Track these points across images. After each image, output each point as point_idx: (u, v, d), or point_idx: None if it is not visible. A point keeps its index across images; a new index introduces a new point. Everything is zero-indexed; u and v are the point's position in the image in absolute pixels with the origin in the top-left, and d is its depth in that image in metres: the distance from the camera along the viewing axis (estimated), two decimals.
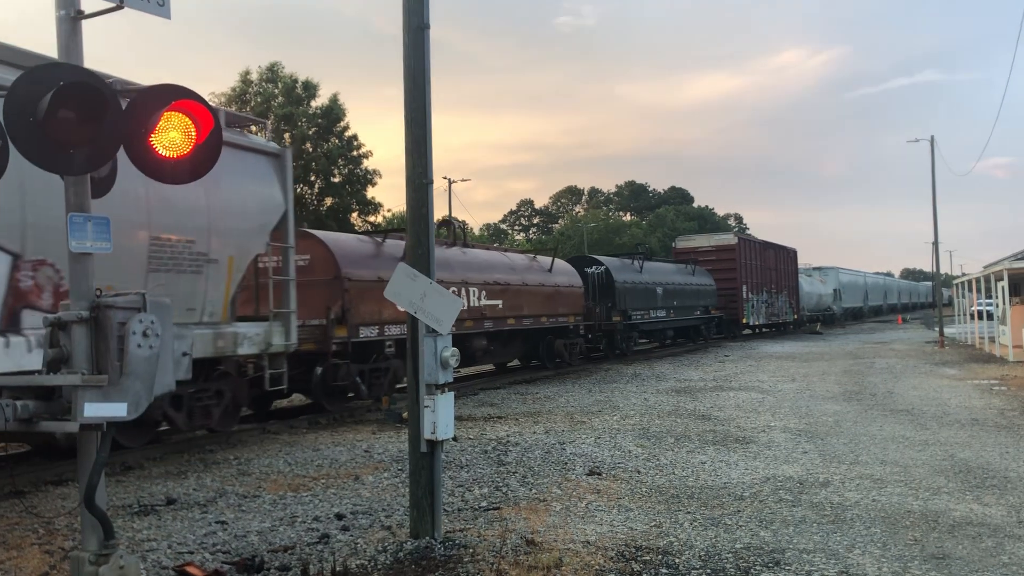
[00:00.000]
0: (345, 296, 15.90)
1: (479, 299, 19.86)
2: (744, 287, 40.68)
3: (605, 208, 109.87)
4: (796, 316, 50.60)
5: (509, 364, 25.95)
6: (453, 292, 15.67)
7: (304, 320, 15.08)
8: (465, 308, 18.21)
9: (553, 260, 25.22)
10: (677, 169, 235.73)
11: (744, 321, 40.69)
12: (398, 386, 17.73)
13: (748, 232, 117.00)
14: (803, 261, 63.32)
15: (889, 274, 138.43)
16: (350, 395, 16.55)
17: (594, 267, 28.84)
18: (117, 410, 4.61)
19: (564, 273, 25.52)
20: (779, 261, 47.73)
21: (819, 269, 66.15)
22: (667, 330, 34.64)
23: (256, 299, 14.17)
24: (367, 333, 16.47)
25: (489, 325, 20.54)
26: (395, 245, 17.73)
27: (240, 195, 12.38)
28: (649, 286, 31.43)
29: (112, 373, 4.62)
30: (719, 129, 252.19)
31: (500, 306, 20.82)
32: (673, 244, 44.43)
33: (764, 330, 47.09)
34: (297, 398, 17.40)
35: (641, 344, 34.23)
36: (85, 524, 4.81)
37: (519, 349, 24.03)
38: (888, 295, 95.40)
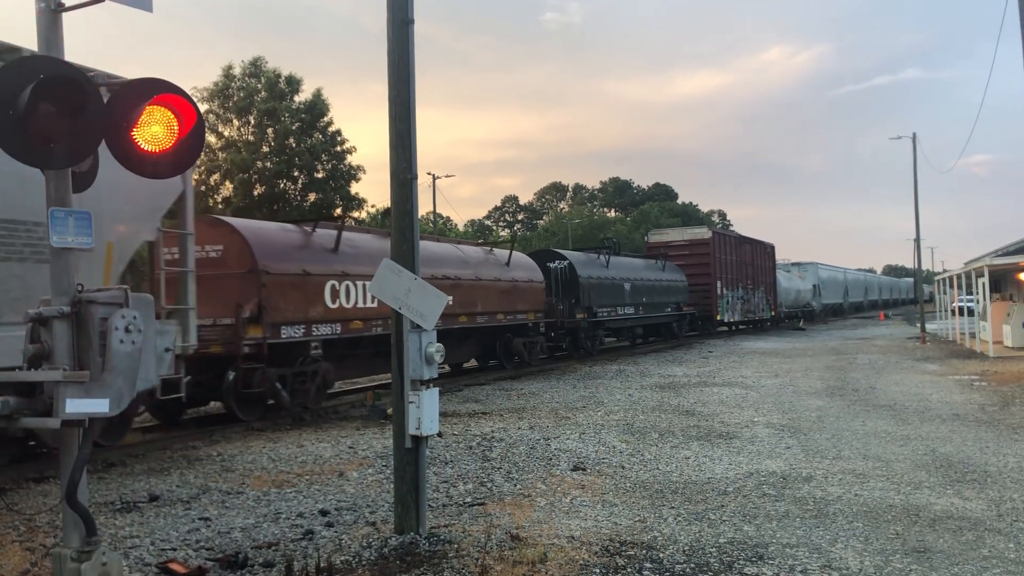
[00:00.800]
0: (262, 292, 14.18)
1: None
2: (718, 283, 39.32)
3: (589, 204, 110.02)
4: (773, 313, 49.53)
5: (465, 365, 24.72)
6: None
7: (215, 319, 13.82)
8: None
9: (511, 253, 23.72)
10: (662, 166, 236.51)
11: (718, 318, 39.27)
12: (329, 391, 16.86)
13: (731, 228, 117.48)
14: (785, 257, 62.21)
15: (871, 270, 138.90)
16: (270, 402, 14.97)
17: (557, 262, 27.36)
18: (99, 406, 4.57)
19: (523, 268, 24.27)
20: (756, 256, 46.36)
21: (798, 265, 64.86)
22: (635, 328, 33.13)
23: (156, 294, 11.62)
24: (290, 333, 14.80)
25: (437, 323, 19.26)
26: (326, 235, 16.41)
27: (121, 170, 10.64)
28: (616, 282, 30.16)
29: (94, 369, 4.58)
30: (704, 126, 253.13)
31: (450, 303, 19.09)
32: (645, 238, 42.87)
33: (741, 327, 45.99)
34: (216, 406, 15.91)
35: (610, 342, 33.17)
36: (67, 521, 4.77)
37: (474, 349, 22.60)
38: (869, 291, 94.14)
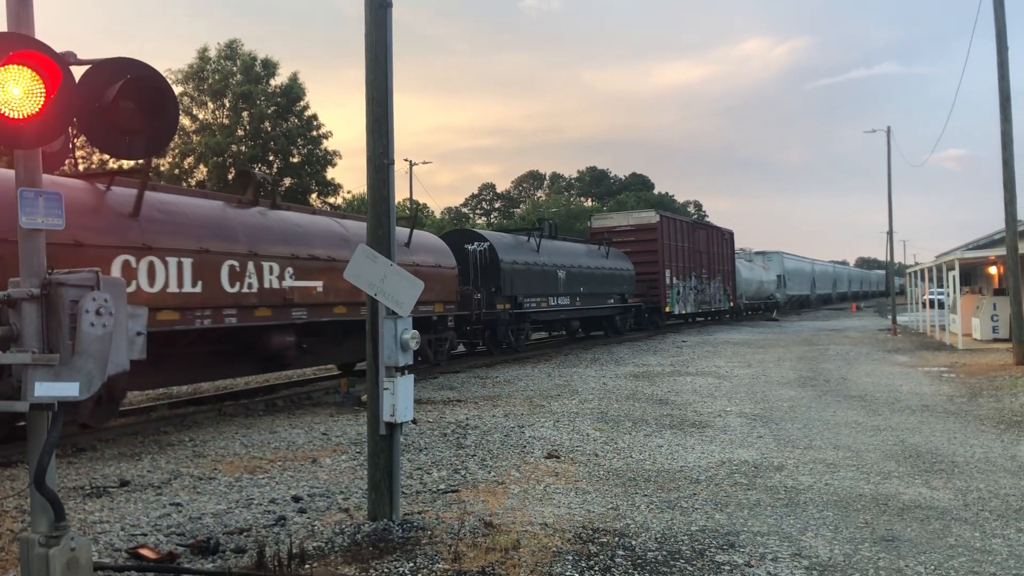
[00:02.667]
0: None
1: (281, 278, 14.41)
2: (667, 272, 36.25)
3: (566, 193, 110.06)
4: (732, 304, 46.65)
5: (357, 366, 20.13)
6: (231, 268, 13.20)
7: None
8: (254, 290, 13.74)
9: (412, 232, 18.92)
10: (639, 156, 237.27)
11: (667, 310, 36.27)
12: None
13: (707, 219, 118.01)
14: (758, 247, 61.24)
15: (844, 263, 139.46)
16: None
17: (476, 244, 23.86)
18: (69, 389, 4.52)
19: (429, 250, 19.95)
20: (712, 243, 43.38)
21: (762, 254, 61.97)
22: (571, 320, 30.17)
23: None
24: None
25: (301, 315, 14.87)
26: (123, 196, 12.06)
27: None
28: (548, 269, 26.69)
29: (64, 352, 4.52)
30: (682, 117, 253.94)
31: (319, 289, 15.39)
32: (588, 223, 39.33)
33: (699, 319, 43.77)
34: None
35: (540, 337, 31.01)
36: (35, 506, 4.71)
37: (356, 347, 16.96)
38: (838, 283, 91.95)
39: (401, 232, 17.76)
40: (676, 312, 37.56)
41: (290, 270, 14.73)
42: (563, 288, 27.73)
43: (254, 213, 14.78)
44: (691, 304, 39.38)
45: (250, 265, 13.74)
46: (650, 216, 37.23)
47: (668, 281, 36.30)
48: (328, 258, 15.67)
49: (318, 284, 15.45)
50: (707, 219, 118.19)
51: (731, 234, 47.43)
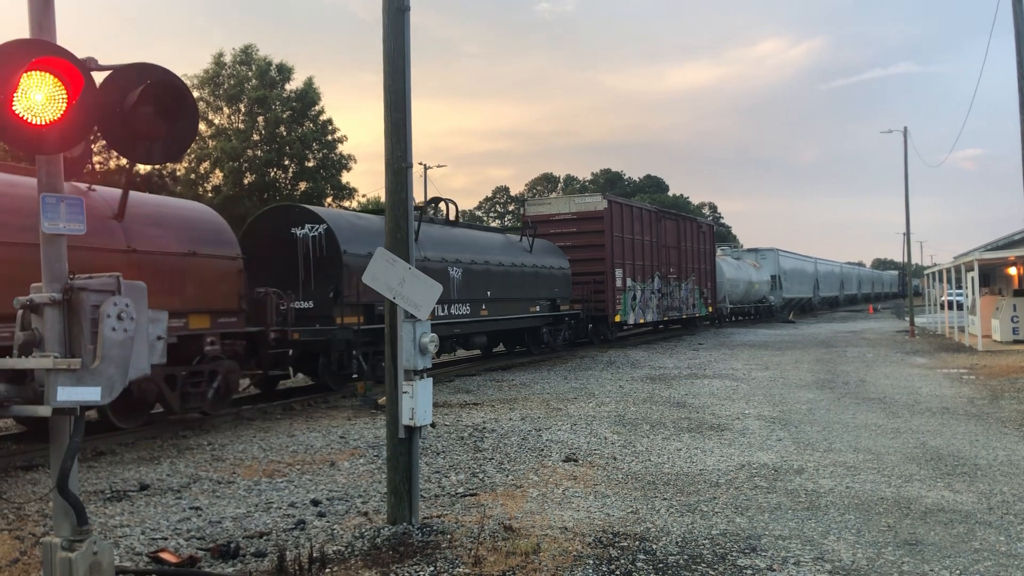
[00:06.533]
0: None
1: None
2: (618, 271, 29.03)
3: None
4: (710, 309, 40.00)
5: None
6: None
7: None
8: None
9: (125, 197, 11.73)
10: (654, 158, 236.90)
11: (617, 319, 29.01)
12: None
13: (722, 221, 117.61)
14: (767, 247, 55.76)
15: (860, 263, 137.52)
16: None
17: (308, 227, 16.95)
18: (91, 394, 4.53)
19: (163, 223, 12.40)
20: (684, 237, 36.27)
21: (754, 251, 55.51)
22: (473, 336, 22.28)
23: None
24: None
25: None
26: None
27: None
28: (433, 265, 19.03)
29: (86, 357, 4.54)
30: (697, 118, 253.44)
31: None
32: (522, 210, 31.85)
33: (660, 327, 36.80)
34: None
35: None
36: (57, 510, 4.73)
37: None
38: (846, 284, 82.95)
39: (146, 200, 12.90)
40: (631, 321, 30.42)
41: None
42: (458, 293, 20.62)
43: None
44: (653, 311, 32.33)
45: None
46: (596, 202, 29.51)
47: (619, 283, 29.14)
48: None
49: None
50: (722, 220, 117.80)
51: (710, 227, 40.93)
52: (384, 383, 15.28)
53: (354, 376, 16.95)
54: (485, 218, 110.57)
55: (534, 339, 25.64)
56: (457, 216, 23.94)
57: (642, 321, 31.58)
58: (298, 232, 16.95)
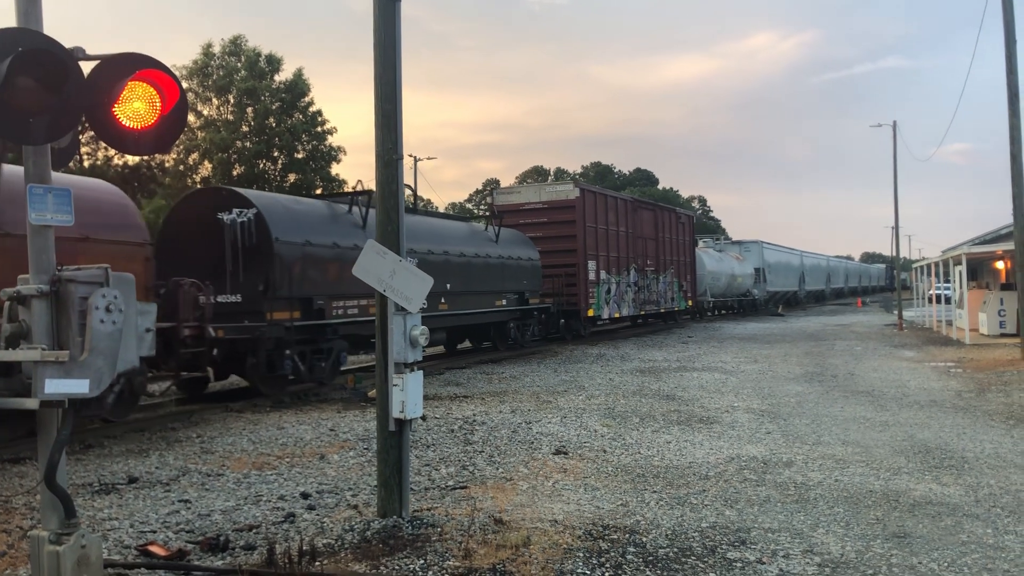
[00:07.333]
0: None
1: None
2: (591, 263, 27.82)
3: None
4: (690, 303, 38.99)
5: None
6: None
7: None
8: None
9: (66, 177, 11.40)
10: (644, 151, 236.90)
11: (591, 313, 27.89)
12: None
13: (711, 214, 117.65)
14: (751, 239, 55.06)
15: (849, 257, 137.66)
16: None
17: (236, 212, 15.17)
18: (79, 387, 4.49)
19: (98, 212, 11.48)
20: (662, 228, 35.17)
21: (737, 243, 54.50)
22: (432, 332, 17.73)
23: None
24: None
25: None
26: None
27: None
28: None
29: (74, 349, 4.50)
30: (688, 112, 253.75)
31: None
32: (490, 199, 30.20)
33: (639, 320, 35.90)
34: None
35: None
36: (45, 503, 4.70)
37: None
38: (833, 278, 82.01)
39: None
40: (605, 316, 29.36)
41: None
42: None
43: None
44: (629, 305, 31.22)
45: None
46: (567, 190, 28.23)
47: (593, 275, 27.94)
48: None
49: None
50: (712, 214, 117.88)
51: (689, 217, 39.65)
52: (323, 385, 15.07)
53: (290, 378, 15.54)
54: (476, 210, 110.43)
55: (500, 335, 24.42)
56: (415, 203, 22.30)
57: (617, 315, 30.55)
58: (225, 218, 15.20)
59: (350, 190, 20.62)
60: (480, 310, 22.21)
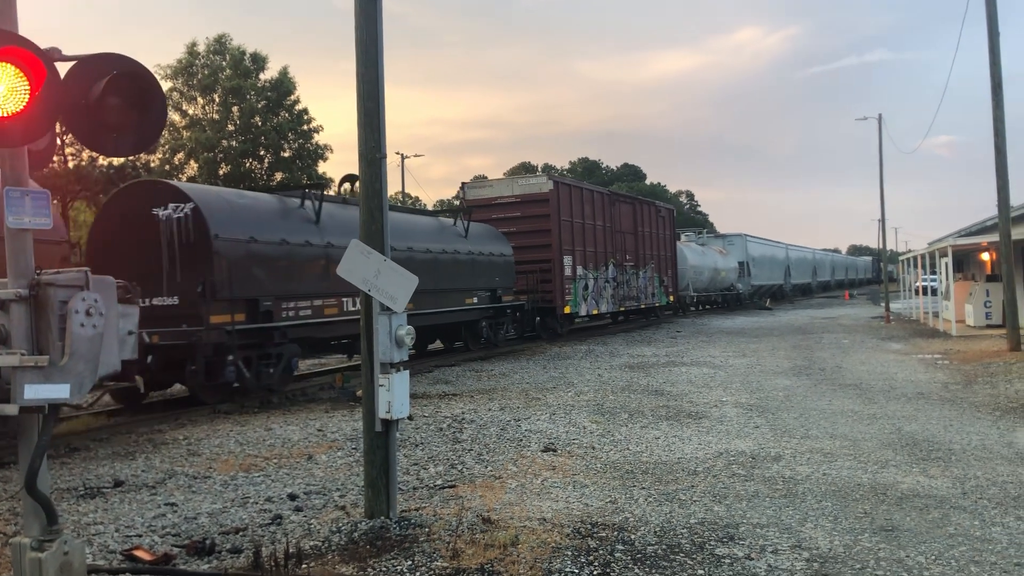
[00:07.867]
0: None
1: None
2: (567, 258, 27.00)
3: None
4: (671, 298, 38.28)
5: None
6: None
7: None
8: None
9: None
10: (632, 146, 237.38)
11: (568, 311, 27.16)
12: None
13: (699, 209, 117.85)
14: (735, 232, 54.24)
15: (836, 250, 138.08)
16: None
17: (172, 208, 14.00)
18: (59, 392, 4.44)
19: None
20: (641, 222, 34.33)
21: (721, 237, 53.68)
22: None
23: None
24: None
25: None
26: None
27: None
28: (340, 252, 13.36)
29: (54, 353, 4.45)
30: (675, 107, 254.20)
31: None
32: (462, 193, 29.00)
33: (621, 318, 35.18)
34: None
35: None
36: (27, 509, 4.64)
37: None
38: (819, 271, 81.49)
39: None
40: (583, 313, 28.70)
41: None
42: None
43: None
44: (608, 301, 30.45)
45: None
46: (541, 183, 27.19)
47: (569, 271, 27.11)
48: None
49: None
50: (699, 209, 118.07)
51: (670, 211, 38.83)
52: (273, 393, 13.95)
53: (235, 385, 14.28)
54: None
55: (472, 334, 23.31)
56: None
57: (596, 312, 29.80)
58: (161, 213, 13.98)
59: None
60: (448, 308, 21.25)
